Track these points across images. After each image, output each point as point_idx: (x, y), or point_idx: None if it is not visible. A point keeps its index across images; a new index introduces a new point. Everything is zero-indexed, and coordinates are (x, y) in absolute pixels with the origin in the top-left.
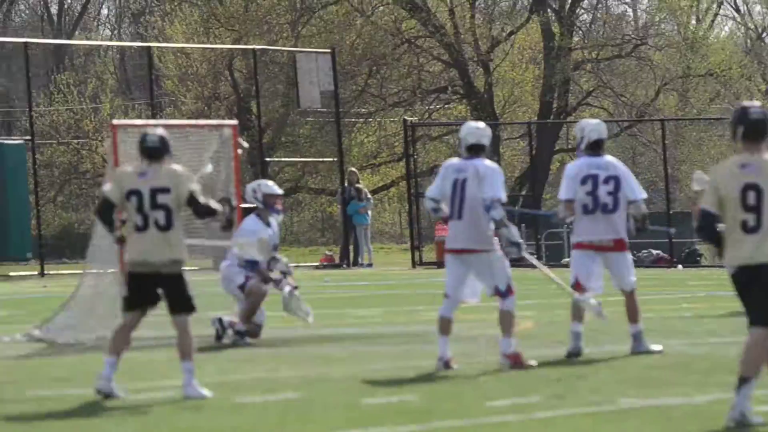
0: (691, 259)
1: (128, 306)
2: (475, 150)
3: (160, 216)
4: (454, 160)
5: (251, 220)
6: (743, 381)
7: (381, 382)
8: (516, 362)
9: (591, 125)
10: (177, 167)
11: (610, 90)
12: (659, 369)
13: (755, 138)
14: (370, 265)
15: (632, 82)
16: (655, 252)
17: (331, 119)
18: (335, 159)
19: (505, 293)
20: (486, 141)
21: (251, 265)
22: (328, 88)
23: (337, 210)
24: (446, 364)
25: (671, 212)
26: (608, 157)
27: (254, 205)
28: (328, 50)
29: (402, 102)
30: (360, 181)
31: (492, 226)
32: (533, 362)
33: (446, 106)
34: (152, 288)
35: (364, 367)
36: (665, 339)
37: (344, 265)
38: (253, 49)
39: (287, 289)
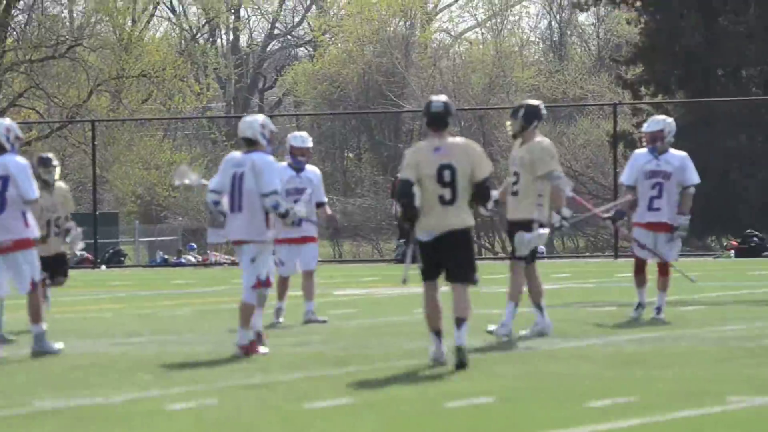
0: (116, 259)
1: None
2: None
3: None
4: (236, 154)
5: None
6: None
7: None
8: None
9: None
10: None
11: (43, 91)
12: (79, 369)
13: (436, 127)
14: None
15: (66, 82)
16: (79, 253)
17: None
18: None
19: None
20: (250, 134)
21: None
22: None
23: None
24: None
25: (98, 213)
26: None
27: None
28: None
29: None
30: None
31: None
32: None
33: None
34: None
35: None
36: (62, 338)
37: None
38: None
39: None
